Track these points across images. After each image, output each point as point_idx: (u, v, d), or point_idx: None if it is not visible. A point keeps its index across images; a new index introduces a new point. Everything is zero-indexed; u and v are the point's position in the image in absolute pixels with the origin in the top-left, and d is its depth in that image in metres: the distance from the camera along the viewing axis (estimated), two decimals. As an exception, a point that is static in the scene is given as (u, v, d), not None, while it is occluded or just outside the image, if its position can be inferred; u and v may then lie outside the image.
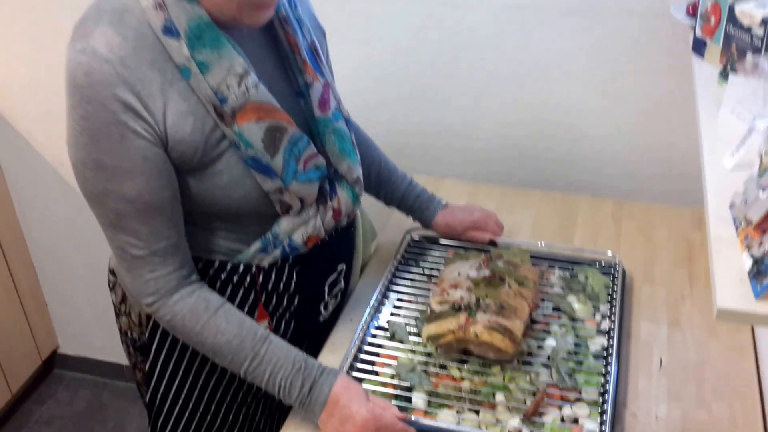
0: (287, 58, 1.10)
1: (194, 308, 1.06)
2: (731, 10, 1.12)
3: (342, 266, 1.28)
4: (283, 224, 1.11)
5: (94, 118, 0.94)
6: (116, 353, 1.22)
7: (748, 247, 0.80)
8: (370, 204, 1.44)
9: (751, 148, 0.94)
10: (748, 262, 0.78)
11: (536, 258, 1.37)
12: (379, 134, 1.77)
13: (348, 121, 1.18)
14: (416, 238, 1.46)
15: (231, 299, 1.14)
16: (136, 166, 0.97)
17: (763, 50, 1.08)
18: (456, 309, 1.17)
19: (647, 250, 1.46)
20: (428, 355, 1.19)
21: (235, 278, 1.14)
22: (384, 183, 1.39)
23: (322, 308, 1.27)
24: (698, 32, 1.25)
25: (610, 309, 1.26)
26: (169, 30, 0.96)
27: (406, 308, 1.30)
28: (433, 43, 1.66)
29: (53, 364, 2.57)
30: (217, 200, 1.05)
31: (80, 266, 2.33)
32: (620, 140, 1.66)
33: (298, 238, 1.13)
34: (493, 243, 1.40)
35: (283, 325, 1.22)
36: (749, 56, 1.07)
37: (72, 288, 2.38)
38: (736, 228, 0.85)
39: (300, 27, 1.11)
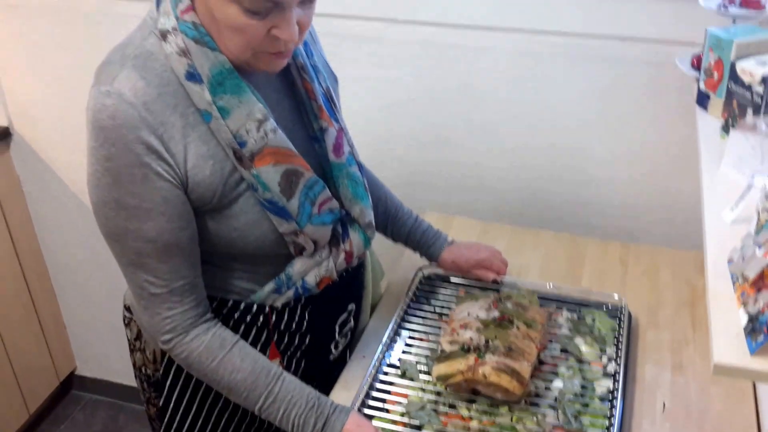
0: (303, 104, 1.15)
1: (210, 346, 1.10)
2: (733, 67, 1.17)
3: (352, 306, 1.33)
4: (297, 266, 1.16)
5: (118, 160, 0.98)
6: (132, 376, 1.27)
7: (744, 304, 0.84)
8: (380, 241, 1.49)
9: (749, 204, 0.99)
10: (744, 319, 0.82)
11: (544, 299, 1.41)
12: (393, 171, 1.84)
13: (361, 166, 1.22)
14: (427, 275, 1.50)
15: (244, 338, 1.18)
16: (157, 206, 1.01)
17: (763, 107, 1.12)
18: (465, 350, 1.21)
19: (652, 293, 1.49)
20: (438, 394, 1.23)
21: (249, 318, 1.18)
22: (391, 219, 1.43)
23: (332, 347, 1.31)
24: (702, 86, 1.29)
25: (616, 352, 1.30)
26: (193, 76, 1.00)
27: (418, 346, 1.34)
28: (447, 85, 1.71)
29: (71, 385, 2.63)
30: (234, 241, 1.09)
31: (99, 290, 2.38)
32: (628, 184, 1.70)
33: (311, 279, 1.17)
34: (497, 282, 1.44)
35: (294, 364, 1.26)
36: (749, 114, 1.12)
37: (90, 311, 2.44)
38: (734, 283, 0.89)
39: (316, 74, 1.16)
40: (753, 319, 0.80)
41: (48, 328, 2.41)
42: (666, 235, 1.71)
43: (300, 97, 1.15)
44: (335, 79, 1.27)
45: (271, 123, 1.05)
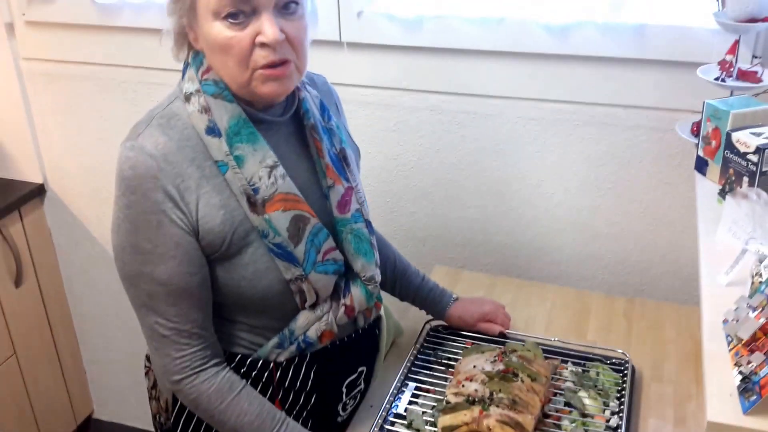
0: (317, 163, 1.22)
1: (219, 388, 1.15)
2: (728, 137, 1.23)
3: (363, 368, 1.35)
4: (300, 320, 1.20)
5: (137, 206, 1.06)
6: (149, 421, 1.32)
7: (738, 364, 0.88)
8: (388, 297, 1.54)
9: (744, 268, 1.04)
10: (737, 378, 0.87)
11: (550, 352, 1.45)
12: (405, 225, 1.91)
13: (369, 224, 1.27)
14: (435, 327, 1.55)
15: None
16: (169, 251, 1.08)
17: (757, 175, 1.18)
18: (470, 402, 1.25)
19: (656, 348, 1.53)
20: (444, 444, 1.26)
21: (254, 373, 1.22)
22: (399, 278, 1.49)
23: (340, 409, 1.34)
24: (700, 152, 1.36)
25: (620, 406, 1.33)
26: (212, 130, 1.09)
27: (424, 396, 1.37)
28: (456, 146, 1.79)
29: (88, 428, 2.65)
30: (242, 290, 1.15)
31: (119, 338, 2.44)
32: (632, 240, 1.76)
33: (313, 333, 1.21)
34: (503, 335, 1.49)
35: (299, 423, 1.26)
36: (745, 181, 1.18)
37: (110, 357, 2.49)
38: (728, 344, 0.94)
39: (330, 136, 1.23)
40: (746, 379, 0.85)
41: (68, 371, 2.47)
42: (671, 289, 1.76)
43: (313, 157, 1.22)
44: (357, 150, 1.35)
45: (281, 169, 1.13)
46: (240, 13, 1.04)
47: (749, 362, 0.86)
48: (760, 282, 0.96)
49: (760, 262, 1.00)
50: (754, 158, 1.18)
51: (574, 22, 1.58)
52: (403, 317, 1.63)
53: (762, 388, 0.82)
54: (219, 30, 1.05)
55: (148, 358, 1.33)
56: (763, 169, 1.18)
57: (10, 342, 2.20)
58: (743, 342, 0.89)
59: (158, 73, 1.93)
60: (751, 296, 0.95)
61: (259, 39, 1.04)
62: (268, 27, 1.04)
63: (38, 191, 2.23)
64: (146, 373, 1.34)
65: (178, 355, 1.14)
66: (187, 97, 1.11)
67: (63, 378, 2.44)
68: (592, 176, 1.72)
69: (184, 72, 1.15)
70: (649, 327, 1.59)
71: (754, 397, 0.83)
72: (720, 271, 1.07)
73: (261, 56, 1.06)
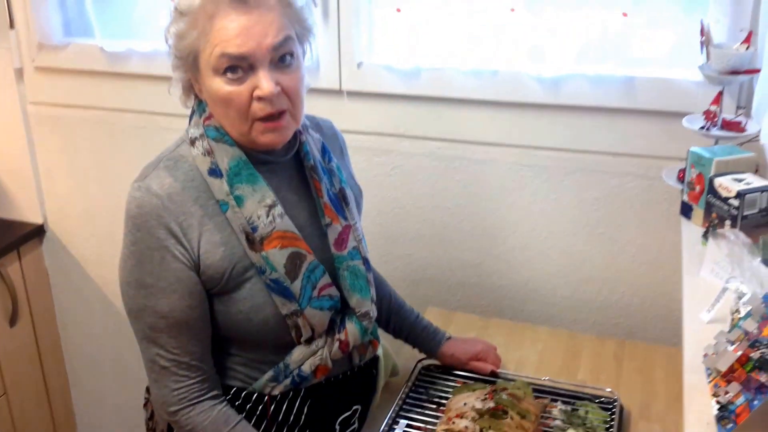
0: (316, 202, 1.27)
1: (214, 421, 1.18)
2: (711, 182, 1.29)
3: (357, 407, 1.37)
4: (295, 354, 1.23)
5: (141, 243, 1.13)
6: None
7: (716, 395, 0.92)
8: (383, 334, 1.57)
9: (725, 306, 1.08)
10: (715, 408, 0.90)
11: (540, 391, 1.48)
12: (400, 267, 1.95)
13: (366, 261, 1.31)
14: (427, 366, 1.57)
15: None
16: (171, 285, 1.14)
17: (739, 219, 1.23)
18: (462, 437, 1.27)
19: (646, 388, 1.55)
20: (436, 480, 1.28)
21: (248, 406, 1.25)
22: (393, 315, 1.52)
23: None
24: (685, 198, 1.41)
25: (608, 444, 1.36)
26: (214, 171, 1.16)
27: (416, 433, 1.40)
28: (451, 191, 1.84)
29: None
30: (239, 324, 1.19)
31: (111, 381, 2.45)
32: (623, 285, 1.80)
33: (307, 368, 1.24)
34: (494, 374, 1.51)
35: None
36: (727, 224, 1.22)
37: (101, 401, 2.49)
38: (708, 377, 0.97)
39: (330, 177, 1.29)
40: (723, 408, 0.88)
41: (58, 414, 2.46)
42: (661, 332, 1.79)
43: (312, 194, 1.27)
44: (359, 191, 1.41)
45: (279, 208, 1.18)
46: (238, 69, 1.11)
47: (726, 392, 0.89)
48: (739, 318, 1.00)
49: (739, 299, 1.04)
50: (736, 203, 1.23)
51: (564, 73, 1.65)
52: (397, 355, 1.65)
53: (738, 416, 0.85)
54: (219, 85, 1.12)
55: (147, 389, 1.35)
56: (744, 213, 1.23)
57: (1, 381, 2.21)
58: (721, 374, 0.93)
59: (162, 118, 2.00)
60: (730, 331, 0.98)
61: (257, 93, 1.12)
62: (264, 82, 1.11)
63: (37, 232, 2.27)
64: (144, 405, 1.36)
65: (176, 387, 1.17)
66: (193, 141, 1.19)
67: (52, 421, 2.44)
68: (583, 221, 1.77)
69: (191, 118, 1.23)
70: (638, 368, 1.62)
71: (731, 425, 0.86)
72: (702, 309, 1.11)
73: (259, 108, 1.13)
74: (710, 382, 0.95)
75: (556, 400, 1.47)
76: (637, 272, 1.78)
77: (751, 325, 0.94)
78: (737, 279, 1.08)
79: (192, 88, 1.20)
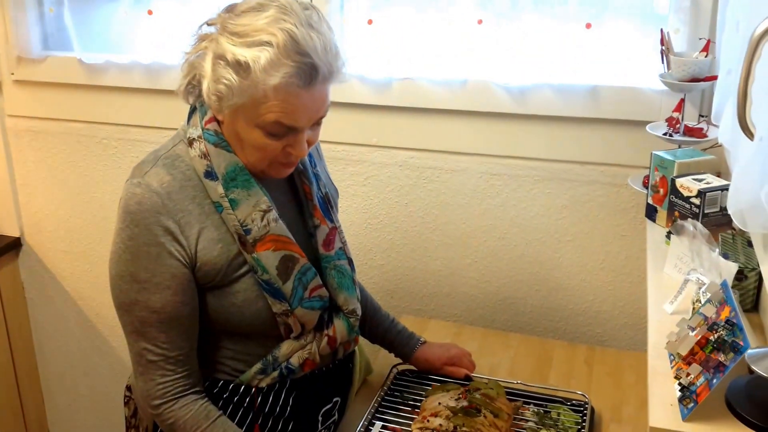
0: (303, 204, 1.30)
1: (195, 415, 1.19)
2: (673, 182, 1.33)
3: (337, 399, 1.40)
4: (283, 348, 1.26)
5: (138, 238, 1.14)
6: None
7: (678, 378, 0.94)
8: (364, 342, 1.59)
9: (687, 297, 1.11)
10: (677, 390, 0.93)
11: (513, 394, 1.50)
12: (374, 277, 1.96)
13: (351, 262, 1.35)
14: (402, 371, 1.58)
15: (230, 418, 1.26)
16: (164, 281, 1.15)
17: (700, 217, 1.27)
18: (435, 435, 1.28)
19: (616, 392, 1.58)
20: (409, 479, 1.29)
21: (235, 398, 1.27)
22: (369, 320, 1.54)
23: None
24: (650, 200, 1.45)
25: (579, 444, 1.37)
26: (210, 174, 1.18)
27: (391, 435, 1.41)
28: (423, 200, 1.87)
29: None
30: (231, 317, 1.21)
31: (85, 397, 2.43)
32: (593, 292, 1.83)
33: (295, 361, 1.27)
34: (468, 378, 1.53)
35: None
36: (688, 221, 1.26)
37: (76, 416, 2.47)
38: (671, 362, 1.00)
39: (317, 181, 1.32)
40: (684, 389, 0.91)
41: (32, 428, 2.43)
42: (631, 339, 1.82)
43: (300, 198, 1.31)
44: (336, 191, 1.44)
45: (274, 213, 1.20)
46: (281, 134, 1.14)
47: (688, 374, 0.92)
48: (700, 306, 1.03)
49: (700, 289, 1.07)
50: (697, 201, 1.27)
51: (531, 84, 1.70)
52: (373, 361, 1.66)
53: (698, 395, 0.88)
54: (257, 136, 1.14)
55: (128, 388, 1.36)
56: (705, 212, 1.27)
57: (-25, 392, 2.19)
58: (682, 357, 0.95)
59: (139, 131, 2.01)
60: (691, 317, 1.01)
61: (289, 150, 1.17)
62: (302, 147, 1.16)
63: (14, 244, 2.26)
64: (126, 402, 1.37)
65: (161, 381, 1.18)
66: (190, 142, 1.20)
67: None
68: (552, 229, 1.81)
69: (189, 116, 1.23)
70: (609, 373, 1.64)
71: (692, 405, 0.88)
72: (666, 301, 1.14)
73: (284, 158, 1.18)
74: (673, 367, 0.98)
75: (528, 403, 1.49)
76: (605, 279, 1.81)
77: (710, 311, 0.97)
78: (698, 271, 1.11)
79: (198, 93, 1.19)
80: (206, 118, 1.20)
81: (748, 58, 0.82)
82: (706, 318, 0.96)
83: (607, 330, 1.85)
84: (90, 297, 2.29)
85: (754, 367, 0.72)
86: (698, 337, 0.95)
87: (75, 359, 2.38)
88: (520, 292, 1.88)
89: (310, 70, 1.09)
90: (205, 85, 1.13)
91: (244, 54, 1.07)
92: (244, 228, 1.18)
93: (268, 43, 1.07)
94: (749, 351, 0.78)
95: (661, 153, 1.43)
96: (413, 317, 1.86)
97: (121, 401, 1.41)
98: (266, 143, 1.14)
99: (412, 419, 1.43)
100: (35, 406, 2.45)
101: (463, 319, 1.92)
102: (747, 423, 0.72)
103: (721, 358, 0.88)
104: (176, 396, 1.19)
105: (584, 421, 1.43)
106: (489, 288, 1.90)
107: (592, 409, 1.48)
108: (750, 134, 0.83)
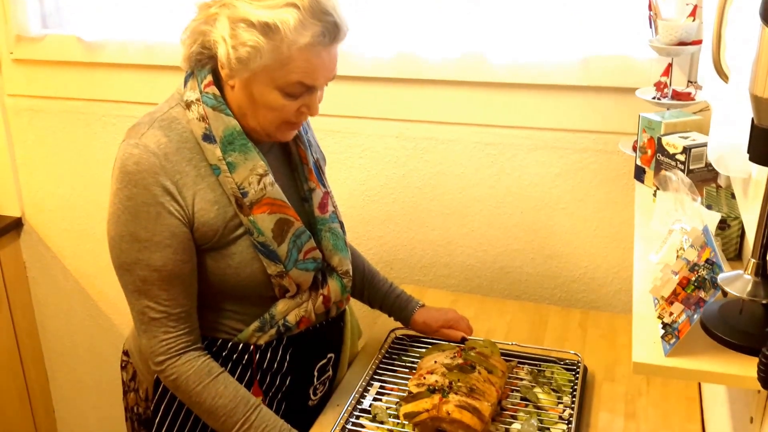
0: (297, 169, 1.34)
1: (198, 371, 1.22)
2: (659, 141, 1.36)
3: (331, 355, 1.44)
4: (279, 306, 1.30)
5: (137, 198, 1.16)
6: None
7: (660, 317, 0.98)
8: (358, 306, 1.62)
9: (671, 247, 1.14)
10: (660, 328, 0.96)
11: (507, 355, 1.53)
12: (372, 248, 1.99)
13: (342, 225, 1.39)
14: (399, 336, 1.62)
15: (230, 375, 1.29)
16: (165, 239, 1.18)
17: (686, 173, 1.30)
18: (431, 391, 1.32)
19: (610, 353, 1.61)
20: (406, 434, 1.33)
21: (235, 356, 1.31)
22: (367, 285, 1.58)
23: (311, 393, 1.42)
24: (638, 162, 1.48)
25: (572, 400, 1.41)
26: (208, 137, 1.21)
27: (388, 394, 1.44)
28: (420, 171, 1.90)
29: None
30: (227, 278, 1.25)
31: (89, 374, 2.46)
32: (585, 259, 1.86)
33: (292, 318, 1.31)
34: (464, 340, 1.56)
35: (275, 405, 1.36)
36: (671, 171, 1.29)
37: (79, 394, 2.51)
38: (655, 305, 1.03)
39: (310, 147, 1.36)
40: (667, 326, 0.94)
41: (37, 407, 2.47)
42: (625, 304, 1.85)
43: (294, 164, 1.34)
44: (323, 158, 1.47)
45: (270, 177, 1.24)
46: (299, 94, 1.19)
47: (671, 314, 0.95)
48: (683, 253, 1.06)
49: (683, 237, 1.10)
50: (682, 158, 1.31)
51: (523, 53, 1.72)
52: (372, 326, 1.70)
53: (680, 331, 0.91)
54: (275, 97, 1.18)
55: (126, 353, 1.39)
56: (691, 167, 1.30)
57: (-21, 372, 2.22)
58: (666, 299, 0.99)
59: (139, 107, 2.03)
60: (673, 262, 1.04)
61: (305, 111, 1.21)
62: (316, 106, 1.22)
63: (15, 224, 2.29)
64: (123, 367, 1.40)
65: (165, 337, 1.22)
66: (188, 105, 1.22)
67: (31, 410, 2.45)
68: (546, 197, 1.84)
69: (186, 80, 1.25)
70: (602, 335, 1.68)
71: (674, 340, 0.91)
72: (650, 254, 1.17)
73: (295, 117, 1.22)
74: (657, 309, 1.01)
75: (522, 363, 1.53)
76: (598, 247, 1.84)
77: (691, 254, 1.00)
78: (682, 221, 1.14)
79: (204, 59, 1.22)
80: (205, 81, 1.22)
81: (722, 4, 0.85)
82: (688, 262, 0.99)
83: (601, 296, 1.88)
84: (92, 275, 2.33)
85: (727, 288, 0.75)
86: (680, 278, 0.98)
87: (78, 337, 2.42)
88: (516, 260, 1.91)
89: (333, 28, 1.14)
90: (222, 50, 1.15)
91: (271, 16, 1.11)
92: (242, 191, 1.21)
93: (293, 5, 1.11)
94: (721, 275, 0.82)
95: (648, 115, 1.46)
96: (412, 285, 1.89)
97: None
98: (283, 104, 1.18)
99: (409, 379, 1.47)
100: (39, 385, 2.49)
101: (461, 289, 1.96)
102: (722, 342, 0.75)
103: (702, 294, 0.91)
104: (179, 352, 1.22)
105: (577, 379, 1.47)
106: (486, 257, 1.93)
107: (585, 368, 1.51)
108: (725, 77, 0.86)
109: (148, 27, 1.95)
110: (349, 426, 1.36)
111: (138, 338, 1.26)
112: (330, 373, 1.45)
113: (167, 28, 1.92)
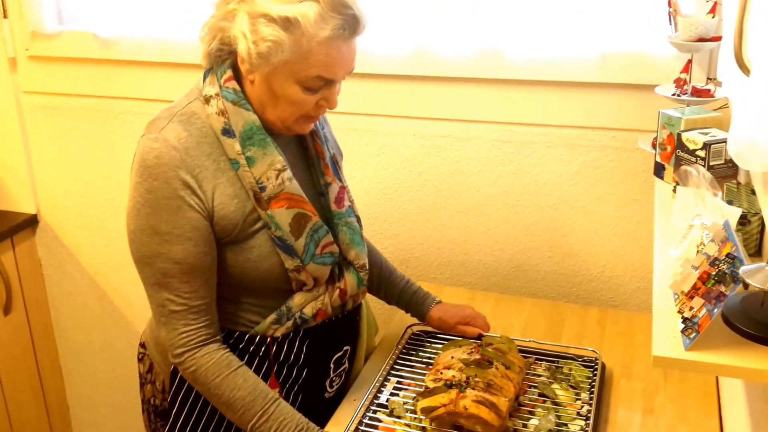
0: (313, 164, 1.35)
1: (217, 363, 1.24)
2: (679, 137, 1.35)
3: (347, 348, 1.45)
4: (296, 299, 1.31)
5: (158, 192, 1.18)
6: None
7: (681, 312, 0.97)
8: (376, 302, 1.63)
9: (691, 242, 1.14)
10: (680, 323, 0.96)
11: (525, 352, 1.53)
12: (389, 246, 2.00)
13: (359, 219, 1.40)
14: (416, 332, 1.62)
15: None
16: (186, 232, 1.19)
17: (705, 168, 1.29)
18: (448, 386, 1.32)
19: (627, 350, 1.61)
20: (423, 429, 1.33)
21: (252, 348, 1.32)
22: (384, 281, 1.59)
23: (327, 385, 1.42)
24: (658, 158, 1.47)
25: (590, 396, 1.40)
26: (227, 131, 1.22)
27: (405, 389, 1.44)
28: (437, 169, 1.90)
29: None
30: (246, 271, 1.26)
31: (104, 370, 2.48)
32: (604, 257, 1.85)
33: (309, 311, 1.31)
34: (481, 337, 1.56)
35: (291, 396, 1.37)
36: (692, 166, 1.28)
37: (95, 392, 2.53)
38: (675, 300, 1.03)
39: (326, 142, 1.37)
40: (687, 321, 0.94)
41: (51, 404, 2.50)
42: (643, 302, 1.84)
43: (311, 159, 1.36)
44: (340, 153, 1.49)
45: (288, 173, 1.25)
46: (318, 88, 1.20)
47: (691, 308, 0.95)
48: (703, 248, 1.05)
49: (704, 233, 1.10)
50: (702, 153, 1.30)
51: (541, 50, 1.72)
52: (388, 323, 1.70)
53: (700, 326, 0.91)
54: (295, 91, 1.19)
55: (142, 345, 1.40)
56: (711, 164, 1.30)
57: (-5, 368, 2.24)
58: (686, 294, 0.98)
59: (156, 105, 2.03)
60: (694, 257, 1.04)
61: (324, 104, 1.23)
62: (335, 99, 1.23)
63: (31, 221, 2.31)
64: (140, 359, 1.41)
65: (185, 330, 1.23)
66: (207, 99, 1.24)
67: (45, 407, 2.47)
68: (564, 196, 1.83)
69: (205, 76, 1.27)
70: (621, 333, 1.67)
71: (694, 334, 0.91)
72: (670, 249, 1.16)
73: (314, 110, 1.23)
74: (677, 304, 1.01)
75: (540, 360, 1.52)
76: (617, 244, 1.84)
77: (712, 249, 0.99)
78: (702, 216, 1.14)
79: (223, 55, 1.24)
80: (225, 77, 1.23)
81: (744, -5, 0.84)
82: (708, 256, 0.99)
83: (620, 295, 1.87)
84: (107, 272, 2.34)
85: (749, 281, 0.74)
86: (700, 273, 0.97)
87: (93, 334, 2.44)
88: (533, 259, 1.91)
89: (353, 21, 1.16)
90: (243, 45, 1.16)
91: (291, 10, 1.12)
92: (260, 185, 1.22)
93: None
94: (743, 267, 0.81)
95: (668, 111, 1.45)
96: (428, 283, 1.89)
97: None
98: (303, 98, 1.20)
99: (425, 375, 1.47)
100: (54, 381, 2.51)
101: (478, 287, 1.95)
102: (743, 334, 0.75)
103: (722, 289, 0.91)
104: (199, 345, 1.23)
105: (595, 376, 1.46)
106: (503, 255, 1.93)
107: (603, 365, 1.51)
108: (746, 70, 0.86)
109: (164, 23, 1.96)
110: (366, 420, 1.36)
111: (157, 330, 1.27)
112: (346, 365, 1.46)
113: (183, 24, 1.92)
